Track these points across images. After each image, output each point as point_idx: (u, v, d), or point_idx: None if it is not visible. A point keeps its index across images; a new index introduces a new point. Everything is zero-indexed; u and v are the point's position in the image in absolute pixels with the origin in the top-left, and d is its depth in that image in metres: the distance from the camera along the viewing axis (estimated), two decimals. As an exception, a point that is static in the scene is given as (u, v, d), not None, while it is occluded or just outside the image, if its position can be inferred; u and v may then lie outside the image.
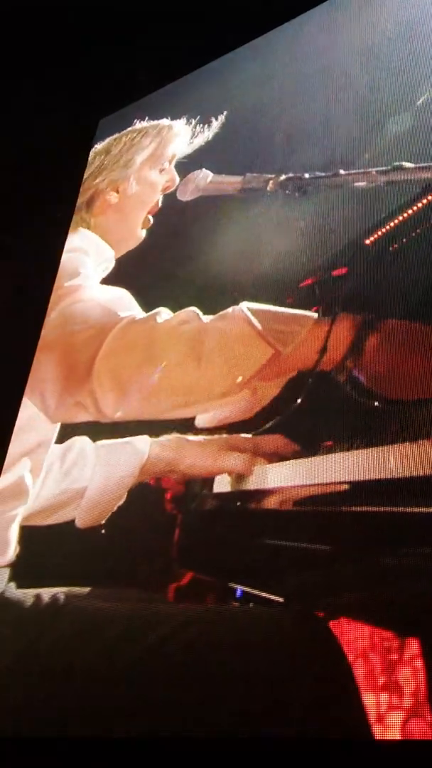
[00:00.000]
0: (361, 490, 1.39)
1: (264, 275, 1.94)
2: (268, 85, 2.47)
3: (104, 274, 2.27)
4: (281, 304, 1.79)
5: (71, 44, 3.46)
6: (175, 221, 2.30)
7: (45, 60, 3.49)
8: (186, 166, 2.39)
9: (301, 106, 2.25)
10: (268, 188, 2.11)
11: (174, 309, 1.91)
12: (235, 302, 1.83)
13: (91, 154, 2.73)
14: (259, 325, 1.72)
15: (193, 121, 2.51)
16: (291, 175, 2.04)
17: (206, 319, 1.82)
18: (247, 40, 2.80)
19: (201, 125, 2.49)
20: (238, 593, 1.56)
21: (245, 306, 1.79)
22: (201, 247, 2.19)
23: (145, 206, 2.31)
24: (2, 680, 1.71)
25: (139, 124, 2.61)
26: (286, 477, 1.58)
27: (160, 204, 2.34)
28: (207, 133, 2.45)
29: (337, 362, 1.59)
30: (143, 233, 2.31)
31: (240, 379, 1.70)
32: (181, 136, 2.45)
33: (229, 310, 1.80)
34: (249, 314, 1.75)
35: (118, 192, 2.40)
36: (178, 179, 2.34)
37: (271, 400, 1.70)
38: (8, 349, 2.96)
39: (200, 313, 1.84)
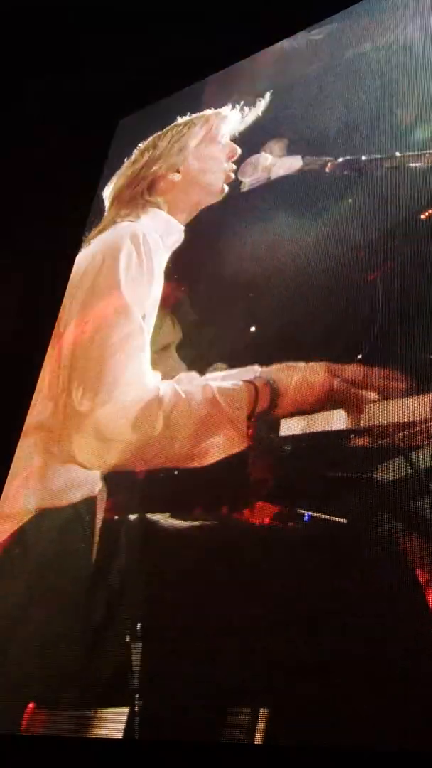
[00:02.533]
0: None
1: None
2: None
3: (174, 248, 2.47)
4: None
5: (87, 44, 3.53)
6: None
7: (60, 59, 3.59)
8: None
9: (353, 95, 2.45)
10: (327, 169, 2.33)
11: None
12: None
13: (136, 151, 2.81)
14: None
15: (238, 106, 2.70)
16: (349, 157, 2.26)
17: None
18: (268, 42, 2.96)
19: (248, 107, 2.69)
20: (306, 517, 1.77)
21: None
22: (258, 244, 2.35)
23: (213, 174, 2.47)
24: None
25: (181, 119, 2.75)
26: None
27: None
28: (257, 110, 2.63)
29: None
30: (226, 188, 2.48)
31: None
32: (230, 117, 2.60)
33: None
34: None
35: (179, 172, 2.58)
36: (239, 150, 2.52)
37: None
38: (19, 350, 3.18)
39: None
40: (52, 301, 2.95)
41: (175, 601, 1.79)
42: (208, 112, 2.73)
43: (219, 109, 2.68)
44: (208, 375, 2.01)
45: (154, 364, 2.11)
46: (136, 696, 1.65)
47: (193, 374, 2.03)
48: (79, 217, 3.25)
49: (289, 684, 1.52)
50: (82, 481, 2.02)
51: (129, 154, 3.17)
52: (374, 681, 1.43)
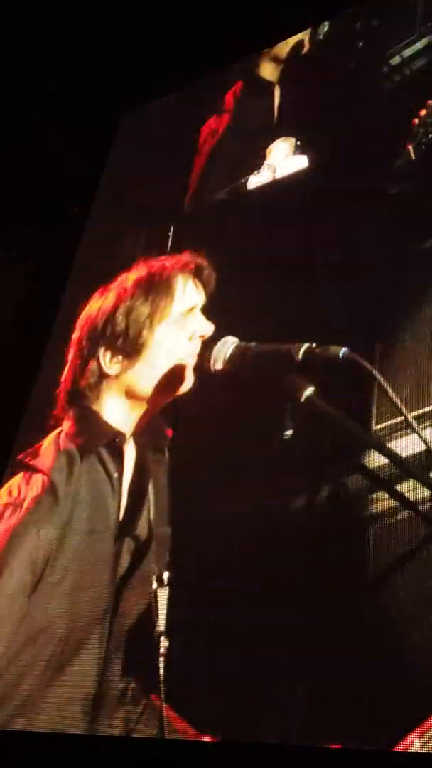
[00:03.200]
0: None
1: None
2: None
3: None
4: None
5: (92, 36, 3.50)
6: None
7: (64, 52, 3.55)
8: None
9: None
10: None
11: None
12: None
13: None
14: None
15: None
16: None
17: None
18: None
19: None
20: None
21: None
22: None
23: None
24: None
25: None
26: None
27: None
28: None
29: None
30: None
31: None
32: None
33: None
34: None
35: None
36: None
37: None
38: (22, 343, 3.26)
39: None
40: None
41: (200, 551, 1.97)
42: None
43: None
44: (232, 337, 2.14)
45: (180, 325, 2.23)
46: (161, 638, 1.78)
47: (228, 338, 2.15)
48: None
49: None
50: (111, 438, 2.16)
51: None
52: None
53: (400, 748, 1.45)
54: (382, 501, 1.81)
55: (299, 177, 2.54)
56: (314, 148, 2.54)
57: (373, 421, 1.93)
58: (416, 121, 2.25)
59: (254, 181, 2.70)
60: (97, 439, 2.16)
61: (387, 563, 1.72)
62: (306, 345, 1.96)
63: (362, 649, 1.63)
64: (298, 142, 2.59)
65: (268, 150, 2.72)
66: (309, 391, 1.94)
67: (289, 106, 2.82)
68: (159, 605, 1.82)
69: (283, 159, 2.68)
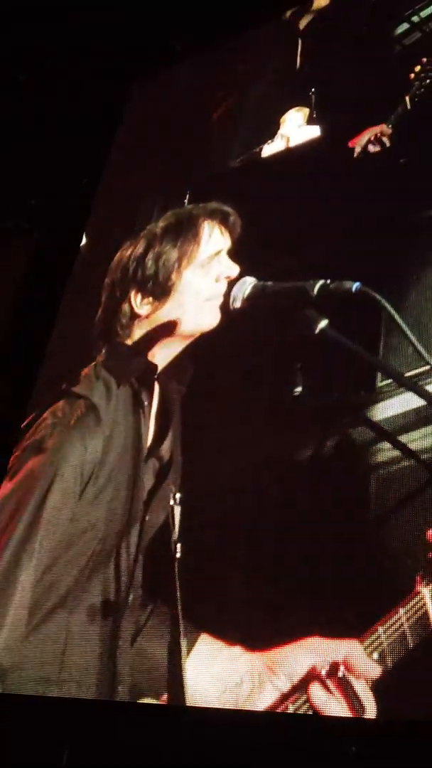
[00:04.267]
0: None
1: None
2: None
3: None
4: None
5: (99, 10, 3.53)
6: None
7: (72, 21, 3.58)
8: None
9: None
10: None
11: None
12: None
13: None
14: None
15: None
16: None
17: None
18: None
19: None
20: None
21: None
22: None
23: None
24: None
25: None
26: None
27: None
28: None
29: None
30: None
31: None
32: None
33: None
34: None
35: None
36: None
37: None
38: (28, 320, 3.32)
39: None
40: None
41: (212, 474, 2.17)
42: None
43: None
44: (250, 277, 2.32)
45: (207, 268, 2.39)
46: (178, 545, 1.95)
47: (246, 278, 2.32)
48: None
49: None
50: (143, 370, 2.35)
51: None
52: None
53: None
54: (385, 451, 1.93)
55: (312, 146, 2.63)
56: (327, 115, 2.65)
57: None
58: (412, 75, 2.47)
59: (268, 150, 2.79)
60: (131, 370, 2.34)
61: (388, 506, 1.84)
62: (321, 281, 2.11)
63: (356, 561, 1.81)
64: (314, 114, 2.68)
65: (281, 119, 2.80)
66: (323, 323, 2.07)
67: (308, 58, 2.93)
68: (175, 519, 1.98)
69: (296, 129, 2.76)
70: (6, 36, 3.67)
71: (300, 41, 2.96)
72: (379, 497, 1.87)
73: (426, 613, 1.64)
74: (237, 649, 1.81)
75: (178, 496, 2.01)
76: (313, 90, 2.73)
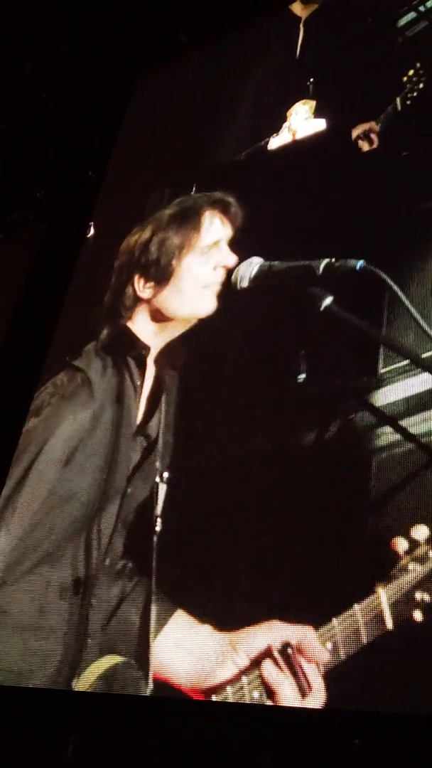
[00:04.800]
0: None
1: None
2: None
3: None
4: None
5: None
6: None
7: (75, 19, 3.60)
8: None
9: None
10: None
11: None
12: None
13: None
14: None
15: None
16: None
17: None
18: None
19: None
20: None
21: None
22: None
23: None
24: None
25: None
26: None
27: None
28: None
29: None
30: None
31: None
32: None
33: None
34: None
35: None
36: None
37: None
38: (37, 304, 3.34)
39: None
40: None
41: (205, 457, 2.24)
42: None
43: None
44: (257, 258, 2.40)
45: (207, 256, 2.49)
46: (158, 520, 2.12)
47: (253, 258, 2.40)
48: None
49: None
50: (139, 350, 2.47)
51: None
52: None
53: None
54: (387, 435, 1.98)
55: (317, 138, 2.68)
56: (331, 107, 2.69)
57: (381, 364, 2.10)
58: (405, 78, 2.54)
59: (275, 143, 2.84)
60: (127, 350, 2.47)
61: (388, 487, 1.89)
62: (326, 260, 2.18)
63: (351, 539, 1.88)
64: (320, 104, 2.73)
65: (288, 113, 2.85)
66: (328, 300, 2.14)
67: (310, 48, 2.98)
68: (159, 496, 2.13)
69: (303, 121, 2.80)
70: (11, 28, 3.71)
71: (302, 30, 3.01)
72: (380, 480, 1.92)
73: (381, 614, 1.71)
74: (207, 627, 1.94)
75: (165, 474, 2.10)
76: (311, 80, 2.79)
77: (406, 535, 1.76)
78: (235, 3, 3.29)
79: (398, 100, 2.51)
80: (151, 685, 1.93)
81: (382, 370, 2.08)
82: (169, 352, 2.47)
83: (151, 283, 2.48)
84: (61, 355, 2.79)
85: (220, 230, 2.50)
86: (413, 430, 1.92)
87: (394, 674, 1.62)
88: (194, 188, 2.83)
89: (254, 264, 2.36)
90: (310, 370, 2.20)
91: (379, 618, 1.72)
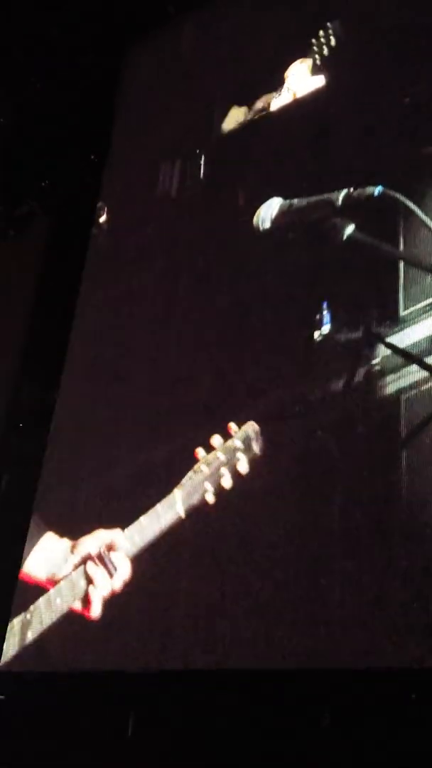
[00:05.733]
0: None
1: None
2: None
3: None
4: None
5: None
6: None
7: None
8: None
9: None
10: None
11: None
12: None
13: None
14: None
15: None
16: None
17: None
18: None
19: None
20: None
21: None
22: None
23: None
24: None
25: None
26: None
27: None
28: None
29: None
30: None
31: None
32: None
33: None
34: None
35: None
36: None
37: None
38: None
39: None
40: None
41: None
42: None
43: None
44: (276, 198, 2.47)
45: None
46: None
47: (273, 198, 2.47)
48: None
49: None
50: None
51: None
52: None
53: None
54: (414, 374, 2.05)
55: (318, 94, 2.72)
56: (331, 62, 2.73)
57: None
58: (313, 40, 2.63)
59: (276, 104, 2.88)
60: None
61: (416, 423, 1.97)
62: (345, 190, 2.24)
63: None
64: (317, 61, 2.76)
65: (285, 74, 2.88)
66: (350, 229, 2.20)
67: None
68: None
69: (302, 80, 2.84)
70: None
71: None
72: (411, 416, 2.00)
73: (174, 505, 2.28)
74: (65, 540, 2.57)
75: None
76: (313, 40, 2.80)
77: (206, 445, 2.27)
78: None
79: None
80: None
81: (404, 313, 2.15)
82: None
83: None
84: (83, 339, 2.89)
85: None
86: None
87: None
88: (203, 158, 2.90)
89: (274, 204, 2.41)
90: (334, 320, 2.26)
91: (173, 509, 2.28)
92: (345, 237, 2.19)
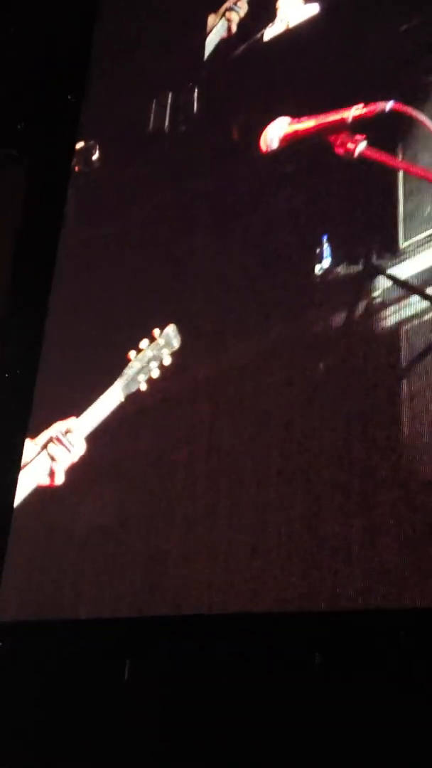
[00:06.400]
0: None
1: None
2: None
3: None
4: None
5: None
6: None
7: None
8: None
9: None
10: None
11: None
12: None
13: None
14: None
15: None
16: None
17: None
18: None
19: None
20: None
21: None
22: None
23: None
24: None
25: None
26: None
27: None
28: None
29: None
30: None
31: None
32: None
33: None
34: None
35: None
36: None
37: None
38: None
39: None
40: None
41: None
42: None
43: None
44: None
45: None
46: None
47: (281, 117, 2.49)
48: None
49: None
50: None
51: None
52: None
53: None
54: (415, 304, 2.08)
55: (312, 23, 2.68)
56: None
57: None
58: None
59: (269, 34, 2.83)
60: None
61: (417, 353, 2.02)
62: (355, 106, 2.26)
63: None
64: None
65: (277, 6, 2.83)
66: (362, 145, 2.21)
67: None
68: None
69: (295, 10, 2.79)
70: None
71: None
72: (411, 346, 2.04)
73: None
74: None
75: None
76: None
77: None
78: None
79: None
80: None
81: (404, 245, 2.17)
82: None
83: None
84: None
85: None
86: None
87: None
88: (196, 91, 2.86)
89: (284, 122, 2.41)
90: (334, 254, 2.28)
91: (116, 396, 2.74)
92: (357, 153, 2.20)
